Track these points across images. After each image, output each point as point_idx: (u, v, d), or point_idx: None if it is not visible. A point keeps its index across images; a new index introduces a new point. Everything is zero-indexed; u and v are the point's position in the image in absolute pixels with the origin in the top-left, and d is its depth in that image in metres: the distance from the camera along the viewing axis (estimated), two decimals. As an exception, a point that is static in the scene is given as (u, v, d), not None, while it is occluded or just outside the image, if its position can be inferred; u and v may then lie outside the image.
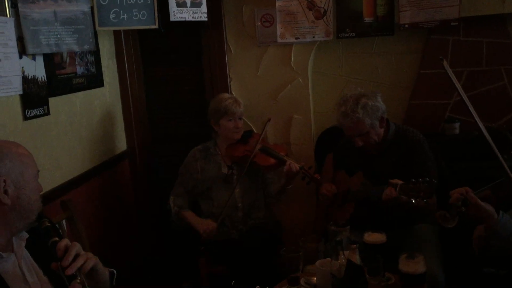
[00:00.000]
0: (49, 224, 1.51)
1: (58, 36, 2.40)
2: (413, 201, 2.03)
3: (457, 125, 3.05)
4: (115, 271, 1.63)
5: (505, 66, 3.03)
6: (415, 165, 2.37)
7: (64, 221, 2.20)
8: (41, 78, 2.40)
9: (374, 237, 2.06)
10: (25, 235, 1.53)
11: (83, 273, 1.41)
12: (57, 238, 1.45)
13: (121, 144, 3.36)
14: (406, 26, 3.05)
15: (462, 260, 2.55)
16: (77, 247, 1.43)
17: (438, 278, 2.15)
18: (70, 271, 1.37)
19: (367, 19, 3.12)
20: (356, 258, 1.91)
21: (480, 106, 2.92)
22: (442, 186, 2.16)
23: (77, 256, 1.41)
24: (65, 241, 1.43)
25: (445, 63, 1.40)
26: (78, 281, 1.37)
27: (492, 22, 2.98)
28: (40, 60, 2.39)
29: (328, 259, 1.98)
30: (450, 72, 1.43)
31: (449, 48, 3.09)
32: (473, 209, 1.72)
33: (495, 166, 1.92)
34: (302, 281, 2.00)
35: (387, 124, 2.54)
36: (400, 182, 2.16)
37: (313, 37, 3.21)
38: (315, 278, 1.98)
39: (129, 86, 3.36)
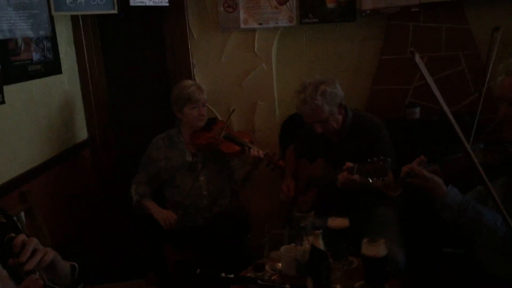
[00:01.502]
0: (4, 220, 1.46)
1: (12, 21, 2.31)
2: (370, 180, 2.06)
3: (417, 110, 3.11)
4: (76, 265, 1.60)
5: (463, 51, 3.09)
6: (374, 149, 2.40)
7: (22, 213, 2.14)
8: (-5, 65, 2.30)
9: (337, 222, 2.08)
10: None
11: (42, 268, 1.38)
12: (13, 234, 1.40)
13: (82, 133, 3.28)
14: (368, 12, 3.07)
15: (422, 241, 2.63)
16: (34, 242, 1.38)
17: (398, 260, 2.21)
18: (28, 267, 1.33)
19: (330, 5, 3.13)
20: (320, 243, 1.94)
21: (440, 91, 2.98)
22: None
23: (34, 251, 1.37)
24: (22, 237, 1.39)
25: (417, 56, 1.40)
26: (37, 276, 1.34)
27: (450, 8, 3.03)
28: (-8, 46, 2.30)
29: (293, 244, 2.00)
30: (422, 65, 1.43)
31: (409, 34, 3.14)
32: (419, 180, 1.78)
33: (454, 150, 1.97)
34: (267, 267, 2.01)
35: (345, 111, 2.57)
36: (352, 164, 2.19)
37: (276, 22, 3.20)
38: (280, 264, 2.00)
39: (88, 73, 3.27)
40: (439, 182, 1.77)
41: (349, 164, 2.19)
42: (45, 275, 1.38)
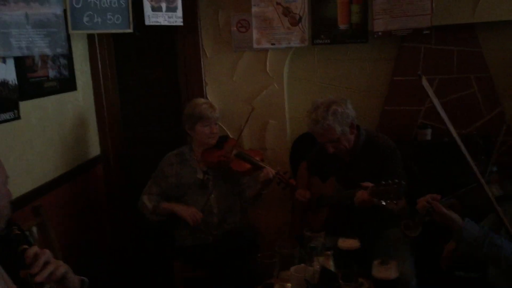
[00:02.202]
0: (18, 232, 1.47)
1: (30, 39, 2.35)
2: (384, 203, 2.06)
3: (429, 131, 3.10)
4: (86, 279, 1.60)
5: (474, 74, 3.10)
6: (386, 171, 2.40)
7: (35, 228, 2.16)
8: (12, 81, 2.35)
9: (348, 243, 2.08)
10: (-6, 242, 1.50)
11: (53, 281, 1.38)
12: (26, 246, 1.41)
13: (95, 149, 3.31)
14: (380, 33, 3.09)
15: (434, 263, 2.60)
16: (46, 255, 1.39)
17: (410, 283, 2.19)
18: (39, 279, 1.34)
19: (342, 26, 3.16)
20: (330, 264, 1.93)
21: (450, 113, 2.97)
22: (414, 191, 2.20)
23: (46, 263, 1.38)
24: (35, 248, 1.40)
25: (424, 80, 1.42)
26: None
27: (462, 31, 3.05)
28: (10, 63, 2.34)
29: (303, 265, 1.99)
30: (428, 88, 1.45)
31: (421, 55, 3.15)
32: (437, 217, 1.76)
33: (465, 171, 1.97)
34: (276, 287, 2.00)
35: (358, 130, 2.58)
36: (370, 185, 2.19)
37: (289, 43, 3.23)
38: (290, 284, 1.99)
39: (103, 90, 3.32)
40: (457, 219, 1.75)
41: (369, 183, 2.19)
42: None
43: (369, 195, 2.17)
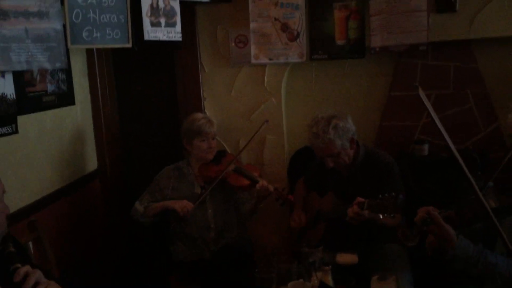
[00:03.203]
0: (12, 250, 1.46)
1: (29, 53, 2.36)
2: (381, 217, 2.05)
3: (426, 146, 3.11)
4: None
5: (471, 89, 3.12)
6: (384, 186, 2.40)
7: (30, 243, 2.14)
8: (10, 95, 2.35)
9: (346, 258, 2.07)
10: (-10, 258, 1.48)
11: None
12: (19, 265, 1.40)
13: (92, 163, 3.30)
14: (377, 49, 3.12)
15: (432, 278, 2.59)
16: (36, 275, 1.38)
17: (408, 298, 2.18)
18: None
19: (339, 42, 3.19)
20: (329, 280, 1.92)
21: (447, 128, 2.98)
22: (411, 206, 2.20)
23: (37, 284, 1.36)
24: (26, 268, 1.38)
25: (420, 90, 1.43)
26: None
27: (459, 47, 3.08)
28: (9, 77, 2.34)
29: (301, 280, 1.98)
30: (425, 99, 1.46)
31: (418, 71, 3.17)
32: (435, 228, 1.76)
33: (462, 186, 1.97)
34: (274, 303, 1.99)
35: (357, 146, 2.58)
36: (362, 200, 2.19)
37: (287, 58, 3.25)
38: (288, 300, 1.97)
39: (101, 104, 3.32)
40: (452, 235, 1.75)
41: (360, 199, 2.19)
42: None
43: (364, 209, 2.17)
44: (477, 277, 1.77)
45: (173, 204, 2.77)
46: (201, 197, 2.79)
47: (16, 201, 2.39)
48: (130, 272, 3.44)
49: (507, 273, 1.70)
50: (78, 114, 3.11)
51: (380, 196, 2.06)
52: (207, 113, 3.37)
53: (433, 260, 2.27)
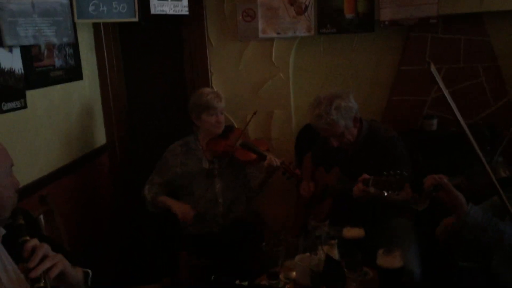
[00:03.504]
0: (22, 222, 1.46)
1: (36, 28, 2.35)
2: (385, 194, 2.06)
3: (435, 121, 3.09)
4: (90, 271, 1.59)
5: (482, 63, 3.08)
6: (389, 161, 2.39)
7: (42, 216, 2.17)
8: (18, 70, 2.35)
9: (352, 232, 2.08)
10: (2, 231, 1.50)
11: (49, 278, 1.36)
12: (27, 237, 1.39)
13: (101, 138, 3.32)
14: (386, 23, 3.07)
15: (439, 254, 2.60)
16: (44, 249, 1.37)
17: (414, 272, 2.19)
18: (33, 274, 1.32)
19: (348, 16, 3.14)
20: (335, 253, 1.94)
21: (457, 103, 2.95)
22: (418, 181, 2.20)
23: (44, 258, 1.36)
24: (33, 242, 1.38)
25: (433, 66, 1.41)
26: (42, 284, 1.32)
27: (470, 20, 3.02)
28: (17, 52, 2.34)
29: (308, 254, 2.00)
30: (437, 75, 1.44)
31: (428, 45, 3.13)
32: (444, 194, 1.76)
33: (471, 161, 1.96)
34: (281, 276, 2.02)
35: (361, 123, 2.57)
36: (368, 177, 2.19)
37: (294, 32, 3.22)
38: (294, 273, 2.00)
39: (108, 79, 3.32)
40: (463, 201, 1.75)
41: (366, 176, 2.19)
42: (49, 284, 1.35)
43: (369, 186, 2.17)
44: (485, 246, 1.78)
45: (175, 208, 2.79)
46: (211, 172, 2.81)
47: (26, 175, 2.42)
48: (139, 246, 3.49)
49: None
50: (86, 89, 3.12)
51: (385, 173, 2.06)
52: (214, 88, 3.36)
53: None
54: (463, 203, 1.75)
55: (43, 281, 1.33)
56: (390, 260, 1.82)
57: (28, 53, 2.45)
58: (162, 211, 2.88)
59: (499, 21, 3.01)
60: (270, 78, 3.36)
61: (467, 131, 1.47)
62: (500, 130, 2.93)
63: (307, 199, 2.71)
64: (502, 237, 1.72)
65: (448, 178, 1.79)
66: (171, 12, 2.89)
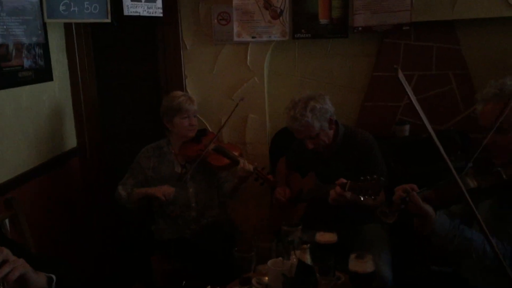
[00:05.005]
0: None
1: (5, 26, 2.29)
2: (362, 198, 2.06)
3: (407, 127, 3.13)
4: (53, 277, 1.54)
5: (453, 70, 3.13)
6: (365, 165, 2.41)
7: (7, 220, 2.11)
8: (-15, 70, 2.29)
9: (326, 237, 2.08)
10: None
11: (8, 283, 1.32)
12: None
13: (71, 141, 3.25)
14: (360, 29, 3.10)
15: (411, 258, 2.62)
16: (3, 254, 1.34)
17: (386, 277, 2.21)
18: None
19: (322, 21, 3.16)
20: (307, 258, 1.93)
21: (429, 109, 3.02)
22: (391, 187, 2.21)
23: (3, 262, 1.32)
24: None
25: (400, 73, 1.41)
26: None
27: (442, 28, 3.07)
28: (-17, 51, 2.28)
29: (280, 258, 1.98)
30: (404, 81, 1.44)
31: (401, 52, 3.17)
32: (413, 208, 1.77)
33: (443, 167, 1.98)
34: (254, 281, 1.99)
35: (336, 126, 2.58)
36: (344, 181, 2.20)
37: (269, 36, 3.21)
38: (267, 278, 1.98)
39: (80, 81, 3.26)
40: (430, 213, 1.77)
41: (343, 180, 2.19)
42: None
43: (346, 190, 2.18)
44: (454, 252, 1.80)
45: (154, 191, 2.75)
46: (183, 177, 2.78)
47: (-9, 178, 2.35)
48: (111, 251, 3.42)
49: (482, 249, 1.73)
50: (56, 91, 3.05)
51: (361, 178, 2.07)
52: (188, 91, 3.33)
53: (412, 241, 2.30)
54: (431, 213, 1.76)
55: (1, 286, 1.30)
56: (362, 265, 1.82)
57: (-5, 52, 2.39)
58: (139, 206, 2.83)
59: (469, 29, 3.07)
60: (244, 82, 3.34)
61: (434, 137, 1.48)
62: (468, 136, 2.98)
63: (283, 203, 2.70)
64: (470, 245, 1.75)
65: (418, 190, 1.80)
66: (145, 14, 2.85)
